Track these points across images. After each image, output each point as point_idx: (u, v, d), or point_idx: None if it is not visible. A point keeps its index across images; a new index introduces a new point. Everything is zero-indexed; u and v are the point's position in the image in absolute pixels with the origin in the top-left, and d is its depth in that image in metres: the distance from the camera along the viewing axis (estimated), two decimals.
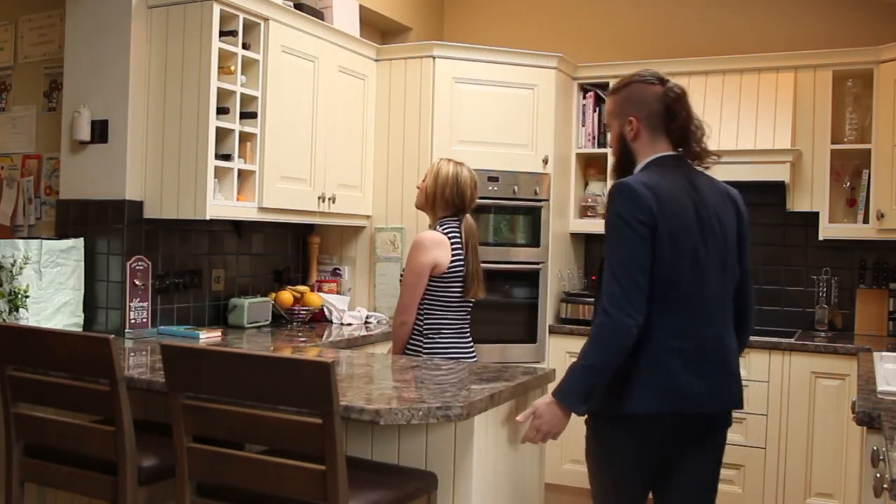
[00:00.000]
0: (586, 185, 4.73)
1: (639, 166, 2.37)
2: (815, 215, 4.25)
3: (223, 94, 3.42)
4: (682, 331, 2.25)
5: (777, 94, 4.26)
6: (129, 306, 3.37)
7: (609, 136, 2.54)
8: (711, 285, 2.28)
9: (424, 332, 3.16)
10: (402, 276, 3.28)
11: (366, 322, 4.17)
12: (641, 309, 2.18)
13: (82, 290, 3.38)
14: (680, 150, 2.37)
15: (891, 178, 3.97)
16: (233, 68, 3.46)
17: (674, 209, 2.24)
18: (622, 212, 2.21)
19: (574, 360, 2.30)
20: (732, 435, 3.99)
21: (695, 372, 2.25)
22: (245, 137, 3.54)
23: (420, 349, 3.16)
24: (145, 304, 3.42)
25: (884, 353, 3.39)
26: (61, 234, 3.45)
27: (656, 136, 2.35)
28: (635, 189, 2.22)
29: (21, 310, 3.15)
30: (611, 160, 2.59)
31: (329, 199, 4.01)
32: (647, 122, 2.34)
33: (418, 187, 3.30)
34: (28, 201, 3.84)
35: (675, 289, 2.24)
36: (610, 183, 2.84)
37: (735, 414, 4.08)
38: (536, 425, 2.35)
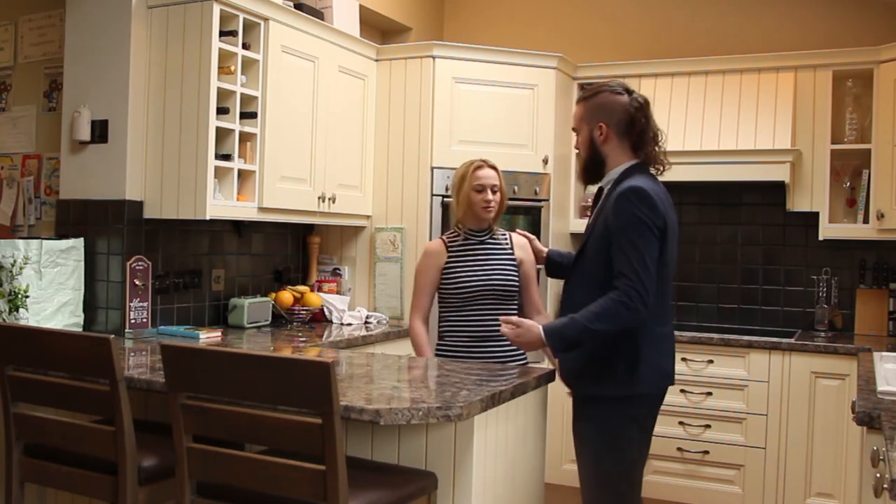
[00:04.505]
0: (586, 185, 4.73)
1: (617, 169, 2.60)
2: (815, 215, 4.25)
3: (223, 94, 3.42)
4: (666, 320, 2.61)
5: (777, 94, 4.26)
6: (129, 306, 3.37)
7: (576, 139, 2.73)
8: (672, 281, 2.65)
9: (441, 334, 3.16)
10: None
11: (366, 322, 4.17)
12: (650, 302, 2.43)
13: (82, 290, 3.38)
14: (639, 156, 2.61)
15: (891, 178, 3.97)
16: (233, 68, 3.46)
17: (669, 215, 2.53)
18: (643, 216, 2.43)
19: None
20: (732, 435, 4.03)
21: (670, 355, 2.63)
22: (245, 137, 3.54)
23: (436, 352, 3.17)
24: (145, 304, 3.42)
25: (884, 353, 3.39)
26: (61, 234, 3.45)
27: (623, 142, 2.60)
28: (652, 196, 2.45)
29: (21, 310, 3.15)
30: (577, 162, 2.85)
31: (329, 199, 4.01)
32: (615, 129, 2.59)
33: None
34: (28, 201, 3.84)
35: (666, 284, 2.56)
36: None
37: (735, 414, 4.13)
38: (514, 334, 2.60)
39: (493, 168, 3.14)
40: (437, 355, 3.16)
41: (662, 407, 2.86)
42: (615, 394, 2.54)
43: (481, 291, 3.09)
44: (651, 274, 2.41)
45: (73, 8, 3.51)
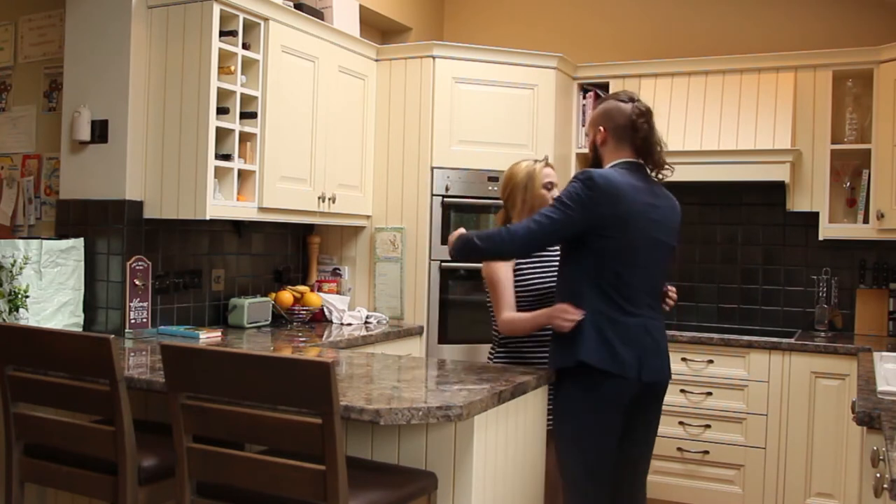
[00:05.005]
0: None
1: (606, 167, 2.78)
2: (815, 215, 4.25)
3: (223, 94, 3.42)
4: (627, 310, 2.65)
5: (777, 94, 4.26)
6: (129, 306, 3.37)
7: (586, 141, 3.00)
8: (645, 275, 2.70)
9: (503, 340, 3.10)
10: None
11: (366, 322, 4.17)
12: (520, 252, 2.80)
13: (82, 290, 3.38)
14: (640, 159, 2.76)
15: (891, 178, 3.97)
16: (233, 68, 3.46)
17: (632, 203, 2.64)
18: (574, 193, 2.62)
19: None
20: (732, 435, 4.03)
21: (634, 346, 2.64)
22: (245, 137, 3.54)
23: (495, 358, 3.11)
24: (145, 304, 3.42)
25: (884, 353, 3.39)
26: (61, 234, 3.45)
27: (620, 145, 2.77)
28: (596, 182, 2.61)
29: (21, 310, 3.15)
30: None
31: (329, 199, 4.01)
32: (612, 133, 2.77)
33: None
34: (28, 201, 3.84)
35: (625, 274, 2.65)
36: None
37: (735, 414, 4.11)
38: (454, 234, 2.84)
39: (552, 167, 3.22)
40: (496, 361, 3.10)
41: (663, 407, 2.86)
42: (564, 363, 2.69)
43: (552, 292, 3.02)
44: (541, 233, 2.64)
45: (73, 8, 3.51)
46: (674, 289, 2.92)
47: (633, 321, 2.66)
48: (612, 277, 2.64)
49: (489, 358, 3.19)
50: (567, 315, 2.67)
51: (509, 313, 3.01)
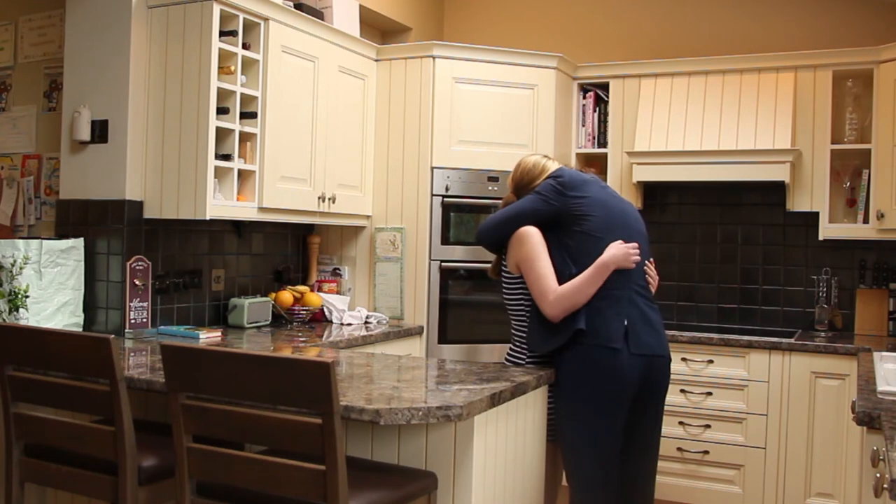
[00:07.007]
0: None
1: None
2: (815, 215, 4.25)
3: (223, 94, 3.42)
4: (608, 284, 2.75)
5: (777, 94, 4.26)
6: (129, 306, 3.37)
7: None
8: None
9: (519, 342, 2.95)
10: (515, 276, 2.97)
11: (366, 322, 4.17)
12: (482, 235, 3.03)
13: (82, 290, 3.38)
14: None
15: (891, 178, 3.97)
16: (233, 68, 3.46)
17: (600, 189, 2.91)
18: (549, 185, 2.91)
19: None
20: (732, 435, 4.03)
21: (613, 316, 2.75)
22: (245, 137, 3.54)
23: (518, 357, 2.95)
24: (145, 304, 3.42)
25: (884, 353, 3.39)
26: (61, 234, 3.46)
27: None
28: (565, 173, 2.93)
29: (21, 310, 3.15)
30: None
31: (329, 199, 4.01)
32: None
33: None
34: (28, 201, 3.84)
35: (592, 254, 2.77)
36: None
37: (735, 414, 4.10)
38: None
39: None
40: (511, 362, 2.95)
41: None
42: (550, 344, 2.80)
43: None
44: (500, 221, 2.95)
45: (73, 8, 3.52)
46: (652, 261, 2.96)
47: (618, 294, 2.74)
48: (595, 260, 2.74)
49: (512, 361, 2.96)
50: (630, 249, 2.75)
51: (557, 287, 2.72)
